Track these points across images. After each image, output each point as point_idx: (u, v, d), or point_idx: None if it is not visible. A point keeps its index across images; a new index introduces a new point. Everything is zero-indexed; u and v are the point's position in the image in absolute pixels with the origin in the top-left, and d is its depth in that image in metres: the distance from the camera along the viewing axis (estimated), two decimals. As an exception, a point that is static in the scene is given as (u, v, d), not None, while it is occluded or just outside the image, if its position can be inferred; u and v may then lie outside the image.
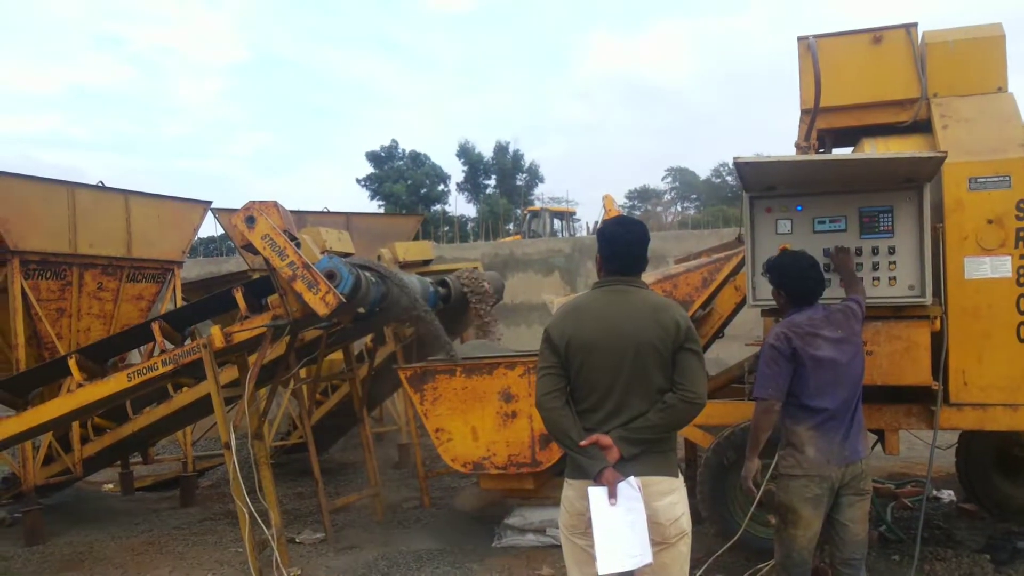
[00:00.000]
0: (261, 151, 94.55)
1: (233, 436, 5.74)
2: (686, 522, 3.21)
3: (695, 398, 3.11)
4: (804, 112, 5.54)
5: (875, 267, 4.65)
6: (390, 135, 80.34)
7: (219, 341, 5.77)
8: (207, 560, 6.46)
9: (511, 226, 36.61)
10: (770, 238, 4.83)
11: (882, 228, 4.65)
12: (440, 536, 6.60)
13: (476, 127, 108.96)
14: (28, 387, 6.53)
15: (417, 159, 49.60)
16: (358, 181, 49.52)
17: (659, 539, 3.12)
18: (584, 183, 75.13)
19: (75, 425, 8.07)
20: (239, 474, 5.68)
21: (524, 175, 51.86)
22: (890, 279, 4.63)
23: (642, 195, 50.68)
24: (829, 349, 3.87)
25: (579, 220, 32.62)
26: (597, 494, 3.02)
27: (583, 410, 3.22)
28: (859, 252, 4.66)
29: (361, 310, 6.09)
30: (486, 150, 51.76)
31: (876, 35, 5.46)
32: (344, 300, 5.43)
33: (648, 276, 6.08)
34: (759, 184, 4.81)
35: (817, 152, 5.64)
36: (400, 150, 49.89)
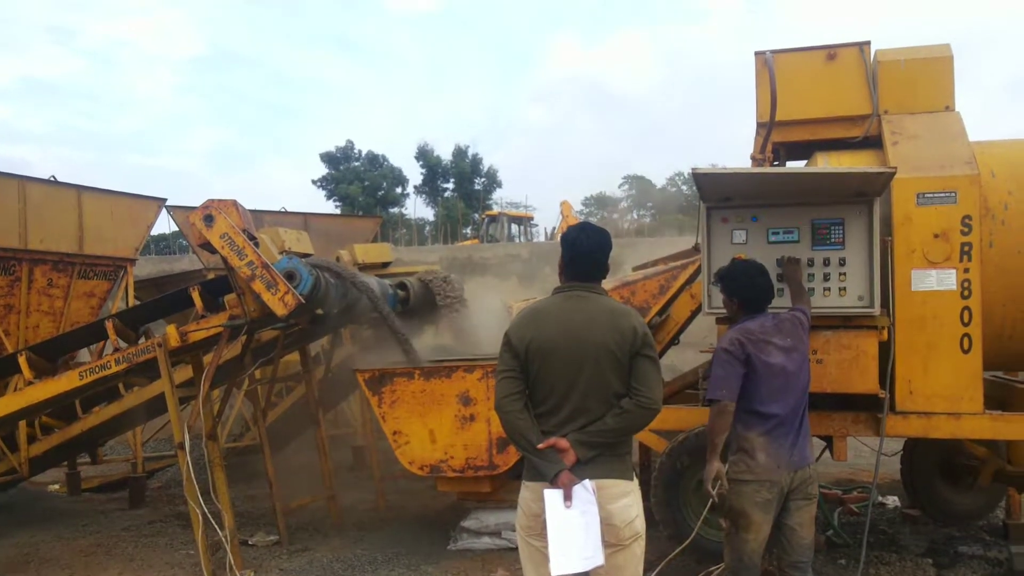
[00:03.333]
0: (217, 148, 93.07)
1: (187, 437, 5.67)
2: (640, 524, 3.26)
3: (651, 403, 3.18)
4: (760, 125, 5.66)
5: (826, 278, 4.78)
6: (348, 135, 79.87)
7: (174, 340, 5.72)
8: (157, 562, 6.36)
9: (469, 230, 36.62)
10: (726, 248, 4.94)
11: (833, 240, 4.79)
12: (395, 539, 6.60)
13: (436, 129, 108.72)
14: (-26, 385, 6.38)
15: (374, 160, 49.40)
16: (313, 182, 49.10)
17: (613, 541, 3.17)
18: (542, 188, 75.57)
19: (22, 424, 7.88)
20: (192, 475, 5.63)
21: (482, 179, 51.88)
22: (840, 289, 4.76)
23: (599, 202, 51.01)
24: (780, 356, 3.98)
25: (537, 225, 32.81)
26: (553, 496, 3.07)
27: (541, 413, 3.26)
28: (811, 263, 4.79)
29: (320, 311, 6.08)
30: (445, 153, 51.68)
31: (831, 52, 5.60)
32: (303, 301, 5.42)
33: (606, 283, 6.15)
34: (716, 195, 4.92)
35: (772, 164, 5.77)
36: (356, 151, 49.59)
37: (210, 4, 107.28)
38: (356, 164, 49.48)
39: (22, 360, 5.94)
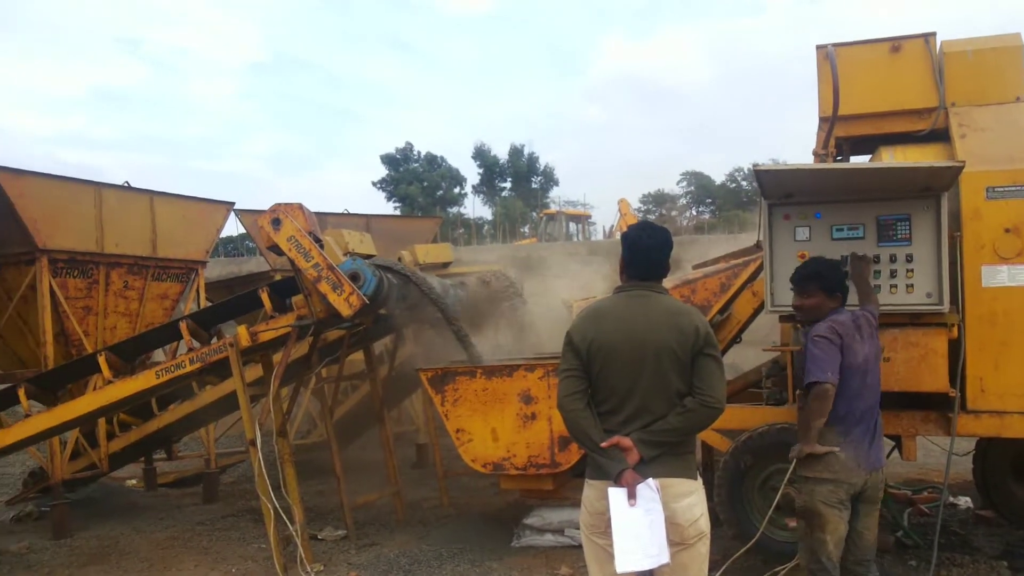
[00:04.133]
0: (279, 151, 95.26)
1: (259, 433, 5.85)
2: (704, 523, 3.27)
3: (714, 402, 3.18)
4: (822, 120, 5.60)
5: (892, 275, 4.71)
6: (405, 137, 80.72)
7: (245, 340, 5.91)
8: (231, 555, 6.58)
9: (527, 229, 36.73)
10: (788, 245, 4.91)
11: (900, 236, 4.71)
12: (460, 535, 6.69)
13: (492, 129, 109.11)
14: (58, 383, 6.68)
15: (433, 161, 49.87)
16: (374, 183, 49.82)
17: (678, 540, 3.18)
18: (599, 186, 75.16)
19: (101, 421, 8.22)
20: (264, 471, 5.80)
21: (539, 178, 51.96)
22: (907, 287, 4.69)
23: (657, 199, 50.67)
24: (861, 354, 3.94)
25: (595, 223, 32.78)
26: (617, 495, 3.09)
27: (604, 412, 3.29)
28: (876, 260, 4.72)
29: (383, 311, 6.21)
30: (501, 152, 51.91)
31: (894, 44, 5.51)
32: (367, 301, 5.54)
33: (666, 281, 6.15)
34: (778, 192, 4.88)
35: (835, 160, 5.70)
36: (416, 152, 50.12)
37: (268, 11, 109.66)
38: (415, 165, 50.06)
39: (101, 360, 6.21)
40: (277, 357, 6.18)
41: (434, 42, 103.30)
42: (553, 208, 36.26)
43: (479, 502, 7.96)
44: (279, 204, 5.76)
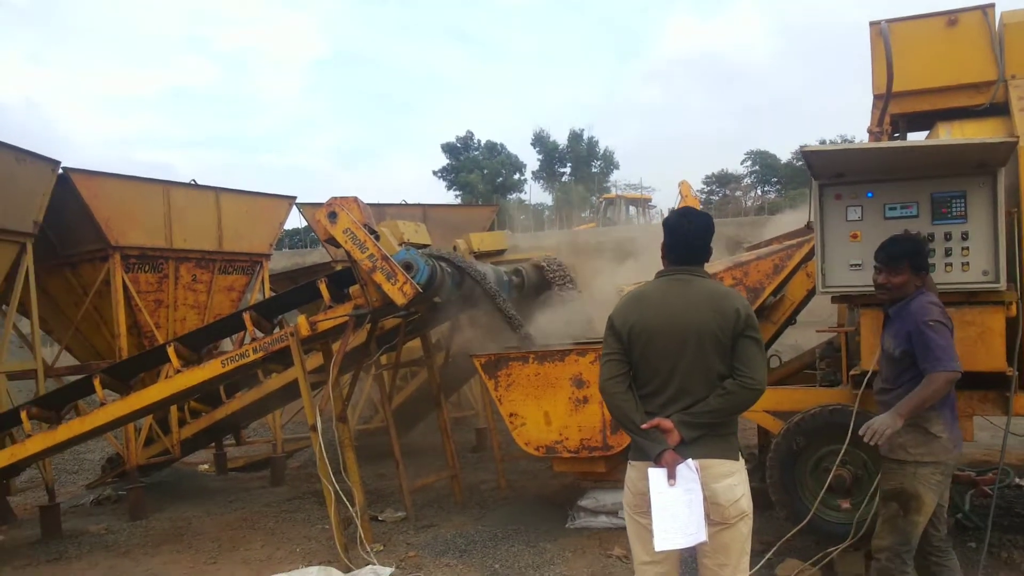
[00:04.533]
0: (342, 144, 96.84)
1: (319, 419, 6.05)
2: (746, 503, 3.30)
3: (754, 384, 3.21)
4: (876, 97, 5.49)
5: (947, 253, 4.61)
6: (465, 126, 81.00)
7: (305, 329, 6.11)
8: (296, 536, 6.83)
9: (587, 213, 36.60)
10: (840, 225, 4.84)
11: (955, 214, 4.60)
12: (515, 517, 6.82)
13: (551, 115, 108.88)
14: (131, 373, 6.99)
15: (492, 149, 49.97)
16: (434, 173, 50.20)
17: (719, 519, 3.23)
18: (660, 169, 74.34)
19: (173, 409, 8.59)
20: (325, 455, 6.00)
21: (599, 162, 51.65)
22: (963, 264, 4.59)
23: (720, 179, 49.84)
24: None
25: (655, 207, 32.46)
26: (657, 475, 3.15)
27: (645, 394, 3.35)
28: (931, 238, 4.63)
29: (437, 299, 6.34)
30: (561, 138, 51.73)
31: (951, 17, 5.37)
32: (420, 290, 5.68)
33: (719, 264, 6.14)
34: (828, 172, 4.82)
35: (891, 137, 5.60)
36: (475, 140, 50.28)
37: (330, 8, 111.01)
38: (475, 153, 50.24)
39: (170, 350, 6.48)
40: (336, 346, 6.36)
41: (493, 30, 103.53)
42: (613, 192, 36.00)
43: (536, 485, 8.08)
44: (335, 198, 5.93)
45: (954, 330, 4.12)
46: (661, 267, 3.54)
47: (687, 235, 3.44)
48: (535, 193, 51.53)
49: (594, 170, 51.58)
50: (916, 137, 5.92)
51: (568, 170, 52.50)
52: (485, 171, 48.35)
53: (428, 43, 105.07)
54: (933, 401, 3.80)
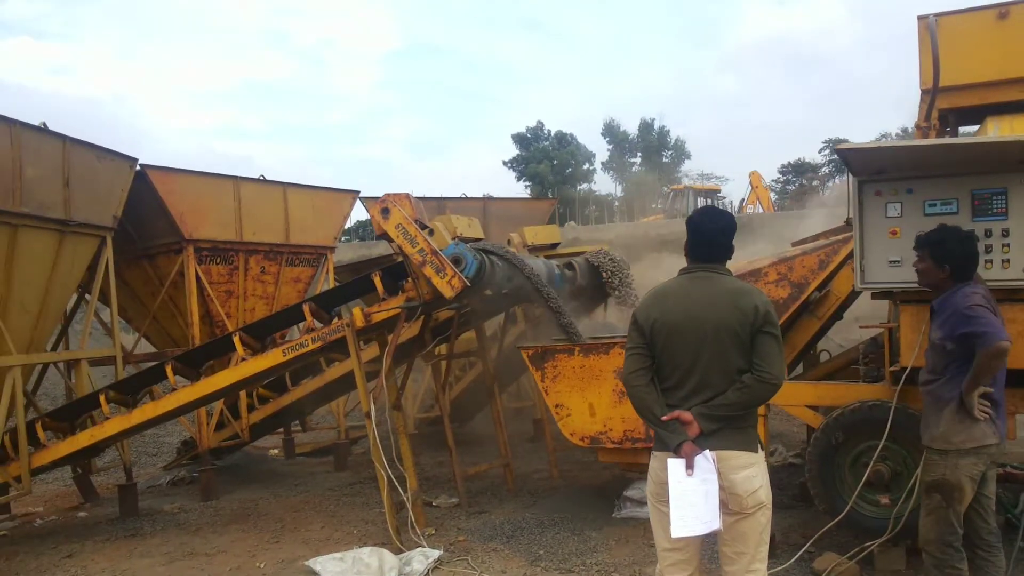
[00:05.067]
0: (416, 135, 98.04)
1: (373, 407, 6.33)
2: (764, 494, 3.40)
3: (771, 379, 3.32)
4: (924, 92, 5.46)
5: (987, 250, 4.57)
6: (536, 116, 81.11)
7: (360, 321, 6.39)
8: (354, 518, 7.15)
9: (657, 204, 36.36)
10: (880, 221, 4.86)
11: (995, 210, 4.58)
12: (564, 505, 7.00)
13: (623, 105, 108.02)
14: (200, 360, 7.40)
15: (562, 139, 49.93)
16: (504, 163, 50.46)
17: (737, 509, 3.36)
18: (736, 158, 73.14)
19: (242, 395, 9.02)
20: (378, 442, 6.28)
21: (670, 152, 51.12)
22: (1003, 262, 4.56)
23: (797, 169, 48.82)
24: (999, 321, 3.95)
25: (724, 198, 32.08)
26: (675, 465, 3.30)
27: (667, 388, 3.48)
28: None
29: (488, 292, 6.54)
30: (631, 128, 51.38)
31: (1002, 10, 5.29)
32: (468, 283, 5.89)
33: (765, 259, 6.18)
34: (867, 168, 4.84)
35: (939, 131, 5.55)
36: (546, 131, 50.32)
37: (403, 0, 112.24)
38: (545, 144, 50.30)
39: (236, 340, 6.85)
40: (391, 336, 6.63)
41: (565, 19, 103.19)
42: (682, 183, 35.70)
43: (588, 475, 8.24)
44: (388, 194, 6.18)
45: (1003, 319, 4.14)
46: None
47: (709, 234, 3.56)
48: (605, 184, 51.39)
49: (665, 160, 51.13)
50: (967, 131, 5.85)
51: (638, 160, 52.17)
52: (555, 161, 48.39)
53: (502, 33, 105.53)
54: (990, 375, 3.87)
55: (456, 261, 5.95)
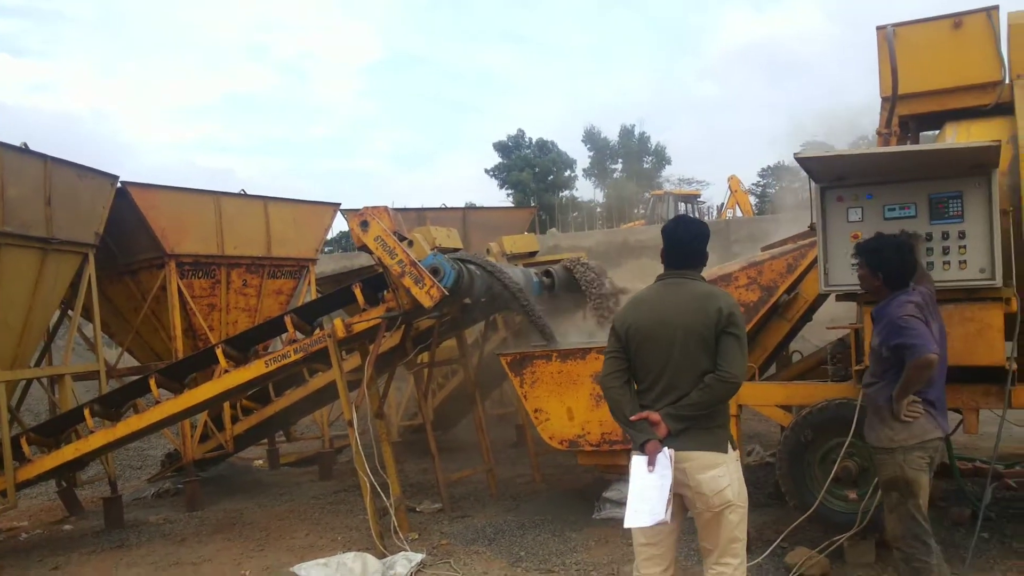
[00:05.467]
0: (399, 147, 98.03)
1: (355, 415, 6.44)
2: (731, 493, 3.52)
3: (730, 377, 3.47)
4: (884, 100, 5.65)
5: (945, 251, 4.77)
6: (517, 125, 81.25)
7: (341, 331, 6.51)
8: (338, 525, 7.25)
9: (638, 210, 36.56)
10: (841, 226, 5.03)
11: (952, 213, 4.76)
12: (545, 508, 7.13)
13: (603, 112, 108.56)
14: (184, 373, 7.48)
15: (544, 147, 50.06)
16: (486, 171, 50.55)
17: (703, 508, 3.51)
18: (716, 164, 73.45)
19: (226, 406, 9.09)
20: (361, 449, 6.39)
21: (651, 158, 51.44)
22: (960, 263, 4.74)
23: (775, 172, 49.18)
24: (935, 328, 4.12)
25: (704, 203, 32.27)
26: (638, 462, 3.47)
27: (641, 390, 3.66)
28: (929, 237, 4.79)
29: (467, 301, 6.67)
30: (612, 134, 51.65)
31: (956, 20, 5.48)
32: (447, 293, 6.02)
33: (735, 263, 6.36)
34: (827, 176, 5.02)
35: (902, 137, 5.74)
36: (527, 139, 50.47)
37: (385, 11, 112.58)
38: (527, 152, 50.44)
39: (219, 352, 6.95)
40: (372, 346, 6.74)
41: (546, 28, 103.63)
42: (662, 189, 35.96)
43: (570, 478, 8.37)
44: (367, 207, 6.32)
45: (944, 326, 4.33)
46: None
47: (682, 241, 3.73)
48: (586, 190, 51.59)
49: (646, 166, 51.43)
50: (928, 136, 6.04)
51: (619, 166, 52.44)
52: (536, 169, 48.53)
53: (480, 43, 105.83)
54: (918, 385, 4.03)
55: (435, 271, 6.08)
